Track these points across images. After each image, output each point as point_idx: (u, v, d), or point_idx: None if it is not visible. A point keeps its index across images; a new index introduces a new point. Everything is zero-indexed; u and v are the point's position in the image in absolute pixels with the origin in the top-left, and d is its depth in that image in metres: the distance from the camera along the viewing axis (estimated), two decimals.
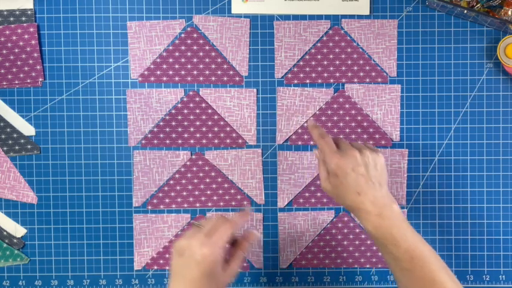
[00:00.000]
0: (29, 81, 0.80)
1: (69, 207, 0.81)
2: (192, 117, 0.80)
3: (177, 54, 0.80)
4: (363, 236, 0.81)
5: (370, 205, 0.65)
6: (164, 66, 0.80)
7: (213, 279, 0.61)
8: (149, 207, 0.81)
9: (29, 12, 0.79)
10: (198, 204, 0.81)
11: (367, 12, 0.79)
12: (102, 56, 0.80)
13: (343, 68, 0.80)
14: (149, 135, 0.80)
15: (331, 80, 0.80)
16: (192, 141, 0.80)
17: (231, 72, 0.80)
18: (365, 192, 0.65)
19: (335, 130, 0.80)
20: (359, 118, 0.80)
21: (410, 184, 0.81)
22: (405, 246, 0.63)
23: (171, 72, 0.80)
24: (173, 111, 0.80)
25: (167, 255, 0.81)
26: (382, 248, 0.65)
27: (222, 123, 0.80)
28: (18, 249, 0.81)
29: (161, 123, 0.80)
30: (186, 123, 0.80)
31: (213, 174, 0.81)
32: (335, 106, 0.80)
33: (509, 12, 0.75)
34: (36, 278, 0.81)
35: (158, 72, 0.80)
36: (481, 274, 0.81)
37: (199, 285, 0.61)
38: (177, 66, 0.80)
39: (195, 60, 0.80)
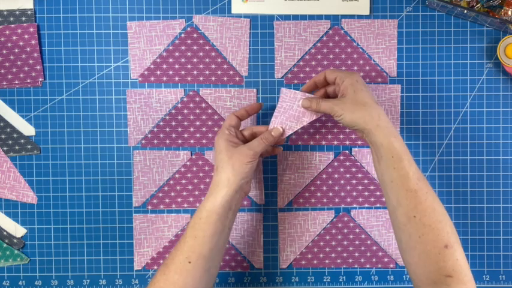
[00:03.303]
0: (29, 81, 0.80)
1: (69, 207, 0.81)
2: (192, 117, 0.80)
3: (177, 54, 0.80)
4: (363, 236, 0.81)
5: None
6: (164, 66, 0.80)
7: (226, 153, 0.69)
8: (149, 207, 0.81)
9: (29, 12, 0.79)
10: (198, 204, 0.81)
11: (367, 12, 0.79)
12: (102, 56, 0.80)
13: (343, 68, 0.80)
14: (149, 135, 0.80)
15: None
16: (192, 141, 0.80)
17: (231, 72, 0.80)
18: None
19: (335, 130, 0.80)
20: None
21: None
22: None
23: (171, 72, 0.80)
24: (173, 111, 0.80)
25: (167, 255, 0.81)
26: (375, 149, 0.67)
27: (222, 123, 0.80)
28: (18, 249, 0.81)
29: (161, 123, 0.80)
30: (186, 123, 0.80)
31: (213, 174, 0.81)
32: None
33: (509, 12, 0.75)
34: (36, 278, 0.81)
35: (158, 72, 0.80)
36: (481, 274, 0.81)
37: (218, 164, 0.69)
38: (177, 66, 0.80)
39: (195, 60, 0.80)
